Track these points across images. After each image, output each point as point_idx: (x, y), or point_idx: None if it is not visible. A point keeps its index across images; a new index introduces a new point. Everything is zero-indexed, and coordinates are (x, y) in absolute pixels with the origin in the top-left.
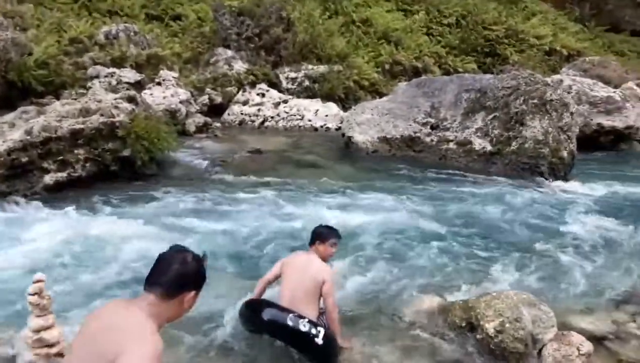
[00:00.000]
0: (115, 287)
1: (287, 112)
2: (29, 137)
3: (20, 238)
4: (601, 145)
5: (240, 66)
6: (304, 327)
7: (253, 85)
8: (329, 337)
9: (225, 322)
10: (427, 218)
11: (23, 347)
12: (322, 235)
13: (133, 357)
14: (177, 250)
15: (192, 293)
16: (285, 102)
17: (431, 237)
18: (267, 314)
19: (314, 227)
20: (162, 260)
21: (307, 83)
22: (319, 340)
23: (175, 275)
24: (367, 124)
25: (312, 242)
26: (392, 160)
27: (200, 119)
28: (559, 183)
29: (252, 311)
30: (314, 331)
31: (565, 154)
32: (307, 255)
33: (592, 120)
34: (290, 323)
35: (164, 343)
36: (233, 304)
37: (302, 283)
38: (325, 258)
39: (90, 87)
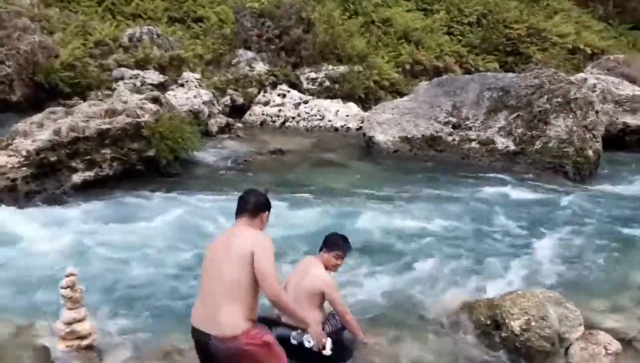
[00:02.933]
0: (142, 282)
1: (307, 113)
2: (57, 137)
3: (49, 234)
4: (627, 145)
5: (261, 67)
6: (308, 342)
7: (274, 86)
8: (337, 344)
9: None
10: (450, 218)
11: (55, 338)
12: (329, 243)
13: (264, 243)
14: (251, 190)
15: (267, 213)
16: (306, 102)
17: (454, 237)
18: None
19: (329, 232)
20: (244, 198)
21: (327, 83)
22: (327, 352)
23: (255, 203)
24: (387, 123)
25: (320, 248)
26: (414, 160)
27: (222, 120)
28: (584, 183)
29: None
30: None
31: (590, 153)
32: (310, 260)
33: (617, 119)
34: (294, 341)
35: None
36: None
37: (300, 288)
38: (328, 267)
39: (115, 89)
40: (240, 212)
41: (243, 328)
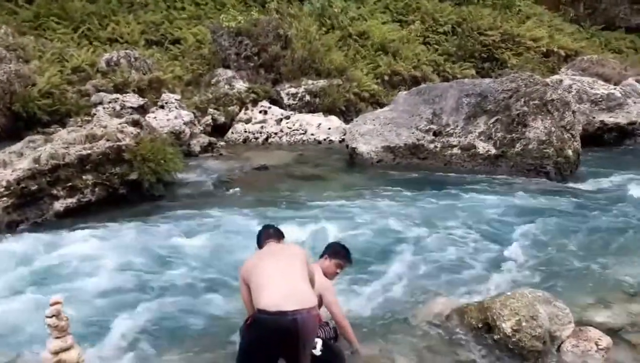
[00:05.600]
0: (129, 306)
1: (290, 128)
2: (37, 165)
3: (32, 264)
4: (605, 143)
5: (241, 85)
6: None
7: (255, 103)
8: (327, 347)
9: (230, 341)
10: (436, 223)
11: None
12: (332, 251)
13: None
14: (267, 225)
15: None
16: (288, 117)
17: (441, 242)
18: None
19: (331, 241)
20: (264, 230)
21: (308, 98)
22: (317, 352)
23: (277, 231)
24: (370, 134)
25: (322, 254)
26: (397, 168)
27: (204, 139)
28: (566, 182)
29: None
30: None
31: (570, 152)
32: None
33: (594, 118)
34: None
35: None
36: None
37: None
38: (326, 274)
39: (94, 114)
40: (268, 237)
41: (315, 301)
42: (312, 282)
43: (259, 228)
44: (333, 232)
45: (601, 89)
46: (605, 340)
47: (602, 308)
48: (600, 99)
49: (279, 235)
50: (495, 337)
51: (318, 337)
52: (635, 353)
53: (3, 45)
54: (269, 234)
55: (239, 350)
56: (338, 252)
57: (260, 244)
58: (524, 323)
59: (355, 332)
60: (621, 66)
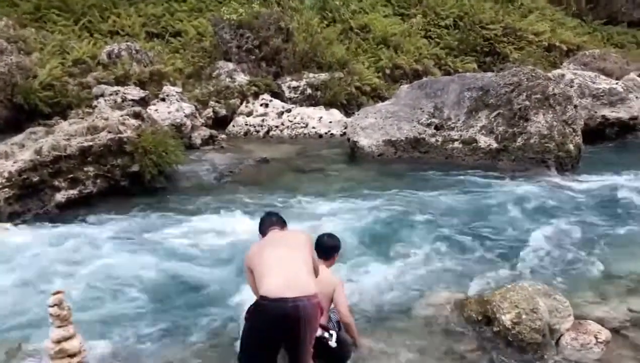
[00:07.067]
0: (128, 298)
1: (291, 121)
2: (38, 157)
3: (34, 255)
4: (607, 137)
5: (242, 78)
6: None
7: (256, 96)
8: (341, 339)
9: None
10: (436, 217)
11: (46, 358)
12: (325, 250)
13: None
14: (270, 212)
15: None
16: (289, 111)
17: (441, 235)
18: None
19: (319, 236)
20: (268, 217)
21: (309, 91)
22: (333, 343)
23: (280, 219)
24: (371, 128)
25: (319, 255)
26: (399, 162)
27: (205, 132)
28: (567, 177)
29: None
30: (326, 335)
31: (571, 147)
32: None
33: (596, 112)
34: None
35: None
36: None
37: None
38: (328, 266)
39: (95, 106)
40: (272, 225)
41: (316, 289)
42: (315, 269)
43: (262, 216)
44: (330, 225)
45: (603, 83)
46: (605, 334)
47: (602, 303)
48: (602, 94)
49: (282, 223)
50: (495, 329)
51: (330, 330)
52: (633, 347)
53: (4, 37)
54: (272, 222)
55: (241, 336)
56: (332, 248)
57: (262, 232)
58: (523, 316)
59: (356, 325)
60: (623, 61)
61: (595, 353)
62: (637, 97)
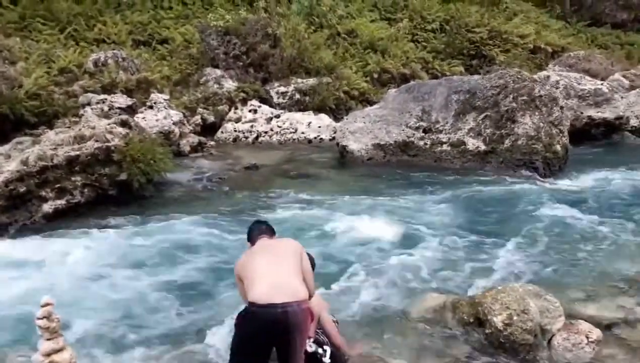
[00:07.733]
0: (117, 307)
1: (280, 126)
2: (25, 167)
3: (25, 266)
4: (593, 138)
5: (230, 84)
6: (310, 347)
7: (244, 102)
8: (334, 356)
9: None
10: (426, 220)
11: None
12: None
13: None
14: (259, 221)
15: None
16: (278, 116)
17: (431, 238)
18: None
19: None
20: (257, 226)
21: (297, 96)
22: (327, 360)
23: (268, 227)
24: (360, 132)
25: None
26: (388, 166)
27: (194, 139)
28: (555, 177)
29: None
30: (320, 350)
31: (559, 148)
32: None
33: (582, 113)
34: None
35: None
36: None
37: None
38: None
39: (82, 115)
40: (261, 233)
41: (306, 295)
42: (308, 278)
43: (250, 224)
44: (320, 230)
45: (588, 84)
46: (596, 333)
47: (593, 302)
48: (588, 95)
49: (271, 231)
50: (487, 331)
51: (323, 343)
52: (624, 346)
53: None
54: (262, 230)
55: (232, 343)
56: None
57: (251, 240)
58: (515, 317)
59: (347, 328)
60: (607, 62)
61: (587, 352)
62: (622, 97)
